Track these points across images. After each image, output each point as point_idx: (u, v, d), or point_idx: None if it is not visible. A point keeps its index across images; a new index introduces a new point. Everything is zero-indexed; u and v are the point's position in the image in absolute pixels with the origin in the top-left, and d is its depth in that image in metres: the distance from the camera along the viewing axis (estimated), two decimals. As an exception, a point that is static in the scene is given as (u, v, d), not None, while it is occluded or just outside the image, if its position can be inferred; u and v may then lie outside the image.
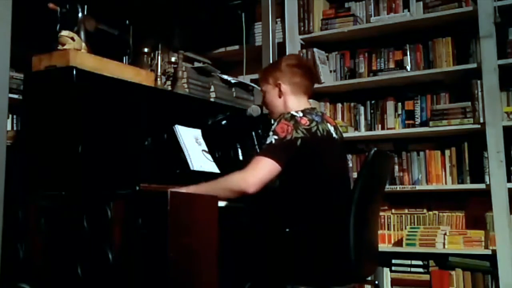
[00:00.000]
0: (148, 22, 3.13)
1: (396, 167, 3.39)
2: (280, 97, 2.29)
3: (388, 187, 3.18)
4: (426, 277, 3.18)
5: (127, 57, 2.76)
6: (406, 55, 3.46)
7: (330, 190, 2.14)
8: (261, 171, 2.01)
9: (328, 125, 2.23)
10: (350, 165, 3.52)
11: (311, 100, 3.35)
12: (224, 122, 2.74)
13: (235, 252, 2.10)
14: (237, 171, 2.07)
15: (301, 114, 2.12)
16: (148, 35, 2.98)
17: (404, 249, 3.24)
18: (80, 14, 2.44)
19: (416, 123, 3.39)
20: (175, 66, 2.80)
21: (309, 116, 2.14)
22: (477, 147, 3.17)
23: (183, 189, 2.04)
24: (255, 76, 3.45)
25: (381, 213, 3.36)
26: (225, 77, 3.09)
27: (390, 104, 3.47)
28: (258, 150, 2.50)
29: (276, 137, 2.05)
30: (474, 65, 3.16)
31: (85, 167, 2.07)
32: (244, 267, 2.09)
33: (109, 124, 2.23)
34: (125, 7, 2.96)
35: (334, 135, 2.25)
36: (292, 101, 2.27)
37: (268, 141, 2.06)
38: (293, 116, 2.10)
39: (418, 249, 3.19)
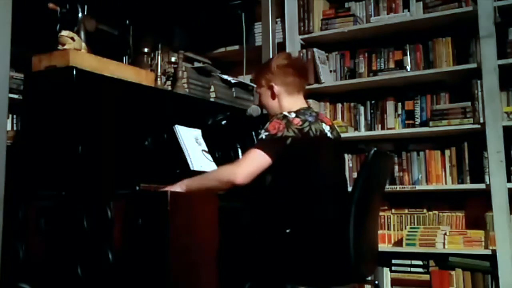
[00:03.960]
0: (148, 22, 3.13)
1: (396, 167, 3.39)
2: (274, 98, 2.31)
3: (388, 187, 3.17)
4: (426, 277, 3.18)
5: (127, 57, 2.76)
6: (406, 55, 3.45)
7: (325, 190, 2.14)
8: (250, 162, 2.08)
9: (323, 124, 2.24)
10: (350, 165, 3.52)
11: (310, 100, 3.37)
12: (224, 122, 2.74)
13: (235, 252, 2.10)
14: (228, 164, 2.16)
15: (293, 115, 2.16)
16: (148, 35, 2.98)
17: (404, 249, 3.24)
18: (80, 14, 2.44)
19: (416, 123, 3.39)
20: (175, 66, 2.81)
21: (302, 116, 2.17)
22: (477, 147, 3.16)
23: (177, 185, 2.10)
24: (255, 76, 3.45)
25: (381, 213, 3.36)
26: (225, 77, 3.09)
27: (390, 104, 3.47)
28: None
29: (267, 133, 2.11)
30: (474, 65, 3.16)
31: (85, 167, 2.07)
32: (244, 267, 2.09)
33: (109, 124, 2.23)
34: (125, 7, 2.95)
35: (329, 134, 2.25)
36: (287, 102, 2.29)
37: (259, 137, 2.13)
38: (285, 116, 2.14)
39: (418, 249, 3.19)
